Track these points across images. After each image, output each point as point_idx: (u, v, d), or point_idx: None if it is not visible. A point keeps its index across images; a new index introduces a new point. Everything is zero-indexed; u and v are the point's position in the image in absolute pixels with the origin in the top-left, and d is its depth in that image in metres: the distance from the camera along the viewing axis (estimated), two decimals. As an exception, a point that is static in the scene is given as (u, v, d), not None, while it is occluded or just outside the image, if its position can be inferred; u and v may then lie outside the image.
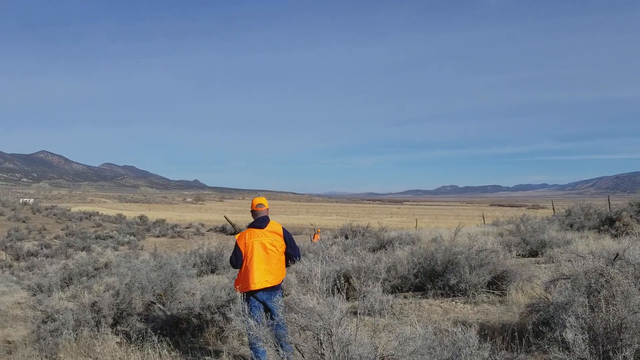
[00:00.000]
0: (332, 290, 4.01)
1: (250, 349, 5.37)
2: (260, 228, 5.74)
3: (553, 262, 9.74)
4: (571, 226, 17.44)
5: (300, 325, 3.84)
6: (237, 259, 5.69)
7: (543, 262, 10.40)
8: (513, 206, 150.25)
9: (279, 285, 5.69)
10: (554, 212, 27.87)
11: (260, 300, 5.58)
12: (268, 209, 5.98)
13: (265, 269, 5.58)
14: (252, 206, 5.95)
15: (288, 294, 7.13)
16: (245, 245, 5.65)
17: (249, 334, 4.64)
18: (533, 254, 12.07)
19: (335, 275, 3.94)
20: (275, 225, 5.82)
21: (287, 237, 5.81)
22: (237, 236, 5.83)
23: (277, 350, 3.94)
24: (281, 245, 5.73)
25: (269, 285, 5.54)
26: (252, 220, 5.88)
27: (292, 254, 5.81)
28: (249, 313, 4.29)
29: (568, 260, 6.82)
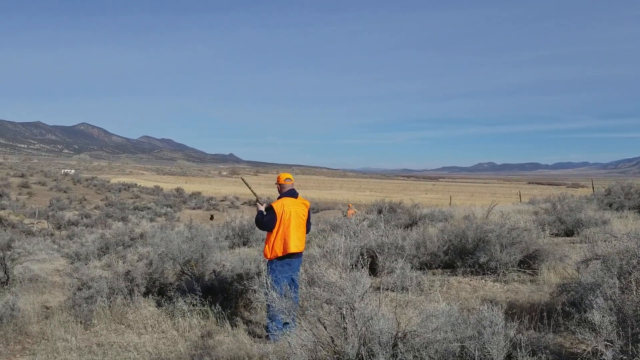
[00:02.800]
0: (355, 265, 4.01)
1: (268, 318, 5.58)
2: (294, 197, 6.27)
3: (588, 242, 9.52)
4: (610, 206, 17.02)
5: (323, 299, 3.86)
6: (271, 222, 6.04)
7: (578, 242, 10.17)
8: (552, 184, 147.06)
9: (302, 252, 6.35)
10: (594, 191, 27.21)
11: (293, 266, 6.07)
12: (293, 182, 6.50)
13: (298, 236, 6.14)
14: (279, 180, 6.42)
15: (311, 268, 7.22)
16: (283, 212, 6.05)
17: (269, 306, 4.80)
18: (569, 233, 11.81)
19: (360, 251, 3.95)
20: (303, 199, 6.42)
21: (309, 211, 6.47)
22: (273, 203, 6.17)
23: (300, 323, 3.97)
24: (306, 216, 6.35)
25: (301, 250, 6.19)
26: (280, 193, 6.34)
27: (308, 225, 6.50)
28: (272, 285, 4.36)
29: (603, 241, 6.66)
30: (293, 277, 5.95)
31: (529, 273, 7.72)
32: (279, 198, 6.26)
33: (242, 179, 7.30)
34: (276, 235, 6.06)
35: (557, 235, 11.64)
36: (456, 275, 8.09)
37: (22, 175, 72.71)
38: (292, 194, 6.29)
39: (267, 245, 6.16)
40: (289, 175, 6.50)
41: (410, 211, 17.72)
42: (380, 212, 19.58)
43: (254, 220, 6.79)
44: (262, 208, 6.23)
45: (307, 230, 6.49)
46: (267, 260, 6.17)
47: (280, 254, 6.02)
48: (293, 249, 6.04)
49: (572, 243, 10.11)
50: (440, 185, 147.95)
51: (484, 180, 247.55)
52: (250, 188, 6.77)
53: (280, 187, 6.36)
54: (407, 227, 13.22)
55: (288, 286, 5.10)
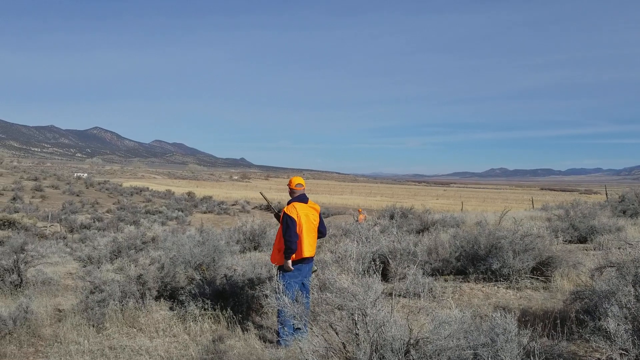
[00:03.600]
0: (367, 271, 4.00)
1: (280, 323, 5.57)
2: (305, 203, 6.22)
3: (602, 249, 9.43)
4: (624, 212, 16.84)
5: (335, 305, 3.85)
6: (295, 228, 5.96)
7: (592, 249, 10.07)
8: (565, 190, 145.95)
9: (313, 257, 6.26)
10: (607, 198, 26.96)
11: (303, 271, 6.01)
12: (305, 188, 6.45)
13: (310, 242, 6.09)
14: (291, 185, 6.38)
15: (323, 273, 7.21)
16: (298, 216, 6.02)
17: (281, 311, 4.81)
18: (582, 240, 11.70)
19: (372, 257, 3.92)
20: (314, 203, 6.35)
21: (320, 215, 6.39)
22: (285, 208, 6.14)
23: (311, 328, 3.97)
24: (318, 221, 6.28)
25: (312, 255, 6.12)
26: (290, 198, 6.32)
27: (322, 230, 6.38)
28: (284, 290, 4.35)
29: (618, 248, 6.59)
30: (304, 282, 5.95)
31: (542, 280, 7.66)
32: (289, 203, 6.24)
33: (261, 193, 7.39)
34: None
35: (570, 242, 11.53)
36: (468, 281, 8.04)
37: (36, 179, 73.42)
38: (303, 199, 6.26)
39: (276, 250, 6.15)
40: (301, 180, 6.47)
41: (422, 217, 17.66)
42: (392, 217, 19.54)
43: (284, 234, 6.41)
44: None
45: (323, 235, 6.46)
46: (277, 265, 6.15)
47: (296, 259, 6.00)
48: (306, 253, 6.02)
49: (586, 250, 10.02)
50: (451, 190, 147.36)
51: (496, 186, 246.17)
52: (268, 202, 6.95)
53: (291, 191, 6.35)
54: (419, 233, 13.17)
55: (299, 291, 5.11)
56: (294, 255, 5.98)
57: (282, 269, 6.02)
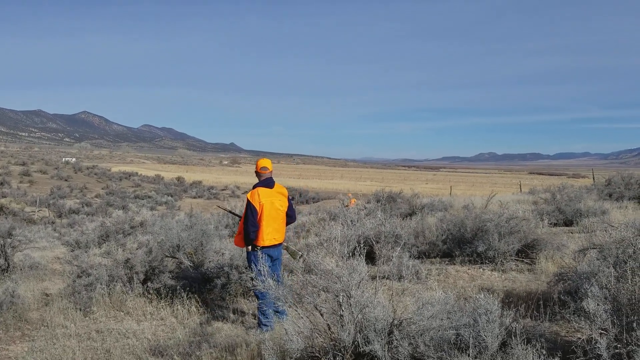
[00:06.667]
0: (353, 254, 4.02)
1: (259, 306, 5.58)
2: (270, 188, 5.98)
3: (587, 231, 9.54)
4: (610, 196, 17.00)
5: (320, 287, 3.88)
6: (255, 217, 5.79)
7: (577, 232, 10.19)
8: (553, 175, 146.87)
9: (282, 243, 6.12)
10: (594, 182, 27.20)
11: (272, 256, 5.91)
12: (272, 171, 6.17)
13: (274, 228, 5.90)
14: (256, 168, 6.12)
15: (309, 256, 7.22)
16: (260, 204, 5.81)
17: (261, 294, 4.85)
18: (568, 223, 11.82)
19: (357, 240, 3.94)
20: (281, 187, 6.12)
21: (289, 199, 6.16)
22: (249, 194, 5.91)
23: (295, 310, 4.00)
24: (286, 206, 6.06)
25: (276, 242, 5.93)
26: (257, 181, 6.07)
27: (291, 214, 6.19)
28: (256, 273, 4.32)
29: (601, 230, 6.67)
30: (274, 267, 5.83)
31: (526, 262, 7.75)
32: (254, 187, 6.01)
33: (220, 207, 7.33)
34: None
35: (556, 225, 11.65)
36: (454, 264, 8.11)
37: (23, 164, 72.80)
38: (268, 183, 5.98)
39: (238, 235, 5.98)
40: (267, 163, 6.13)
41: (410, 201, 17.72)
42: (378, 201, 19.61)
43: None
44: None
45: (292, 219, 6.24)
46: (247, 251, 5.96)
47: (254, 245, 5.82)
48: (267, 242, 5.82)
49: (571, 233, 10.12)
50: (441, 175, 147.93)
51: (485, 171, 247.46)
52: (231, 211, 6.88)
53: (256, 174, 6.08)
54: (407, 217, 13.25)
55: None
56: (258, 242, 5.79)
57: (250, 254, 5.86)
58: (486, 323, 3.53)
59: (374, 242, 4.33)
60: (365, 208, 14.23)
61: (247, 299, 6.98)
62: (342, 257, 4.00)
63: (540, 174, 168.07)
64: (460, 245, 8.39)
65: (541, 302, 5.36)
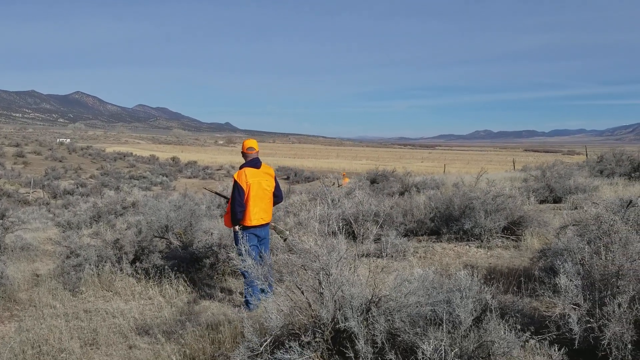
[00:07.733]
0: (334, 232, 4.05)
1: (246, 285, 5.63)
2: (257, 168, 6.01)
3: (576, 208, 9.61)
4: (601, 172, 17.10)
5: (299, 265, 3.92)
6: (242, 198, 5.85)
7: (564, 209, 10.26)
8: (548, 152, 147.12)
9: (269, 223, 6.20)
10: (587, 158, 27.29)
11: (259, 236, 6.00)
12: (258, 151, 6.19)
13: (261, 208, 5.97)
14: (242, 148, 6.18)
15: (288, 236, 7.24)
16: (247, 184, 5.86)
17: (246, 274, 4.91)
18: (557, 200, 11.90)
19: (339, 219, 3.98)
20: (268, 167, 6.16)
21: (276, 179, 6.22)
22: (235, 175, 5.99)
23: (277, 288, 4.05)
24: (272, 186, 6.12)
25: (263, 222, 5.99)
26: (244, 161, 6.12)
27: (278, 194, 6.27)
28: (244, 252, 4.35)
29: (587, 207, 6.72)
30: (261, 246, 5.95)
31: (512, 239, 7.82)
32: (241, 167, 6.05)
33: (208, 189, 7.32)
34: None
35: (545, 201, 11.73)
36: (441, 241, 8.19)
37: (17, 145, 72.50)
38: (255, 163, 6.01)
39: (227, 215, 6.03)
40: (253, 143, 6.17)
41: (403, 179, 17.79)
42: (373, 181, 19.67)
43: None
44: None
45: (280, 199, 6.35)
46: (233, 230, 6.00)
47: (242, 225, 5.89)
48: (254, 222, 5.89)
49: (559, 210, 10.20)
50: (436, 153, 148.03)
51: (481, 148, 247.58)
52: (219, 193, 6.89)
53: (243, 155, 6.15)
54: (400, 195, 13.30)
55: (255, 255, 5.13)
56: (245, 222, 5.86)
57: (237, 234, 5.83)
58: (460, 299, 3.59)
59: (352, 221, 4.37)
60: (359, 187, 14.27)
61: (235, 278, 7.05)
62: (322, 235, 4.04)
63: (535, 151, 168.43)
64: (447, 223, 8.45)
65: (522, 278, 5.44)
